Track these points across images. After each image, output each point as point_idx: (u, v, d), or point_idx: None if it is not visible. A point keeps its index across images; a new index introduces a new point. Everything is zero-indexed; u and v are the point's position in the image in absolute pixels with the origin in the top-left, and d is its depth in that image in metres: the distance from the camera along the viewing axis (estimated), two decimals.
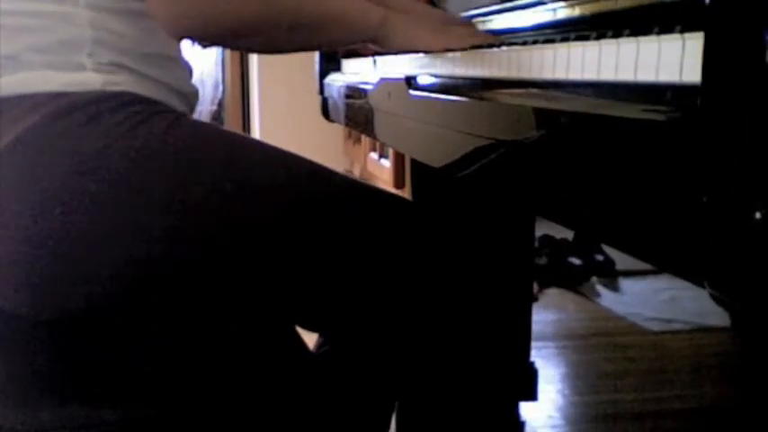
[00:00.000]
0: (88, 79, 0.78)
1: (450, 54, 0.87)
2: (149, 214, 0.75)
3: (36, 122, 0.74)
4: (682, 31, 0.44)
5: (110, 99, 0.77)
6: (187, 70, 0.91)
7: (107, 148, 0.74)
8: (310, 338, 0.93)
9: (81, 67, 0.78)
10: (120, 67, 0.80)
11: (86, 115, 0.75)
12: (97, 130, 0.75)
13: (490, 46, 0.78)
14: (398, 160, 1.75)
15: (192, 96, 0.91)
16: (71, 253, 0.73)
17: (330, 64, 1.40)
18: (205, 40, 0.88)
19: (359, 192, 0.89)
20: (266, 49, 1.01)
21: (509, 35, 0.81)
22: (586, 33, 0.59)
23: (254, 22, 0.82)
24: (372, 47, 0.96)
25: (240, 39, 0.85)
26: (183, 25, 0.80)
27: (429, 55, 0.91)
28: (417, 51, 0.93)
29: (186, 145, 0.78)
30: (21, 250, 0.73)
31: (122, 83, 0.80)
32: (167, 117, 0.80)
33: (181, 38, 0.83)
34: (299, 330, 0.91)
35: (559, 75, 0.59)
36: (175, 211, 0.75)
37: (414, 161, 1.54)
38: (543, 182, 0.59)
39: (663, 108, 0.44)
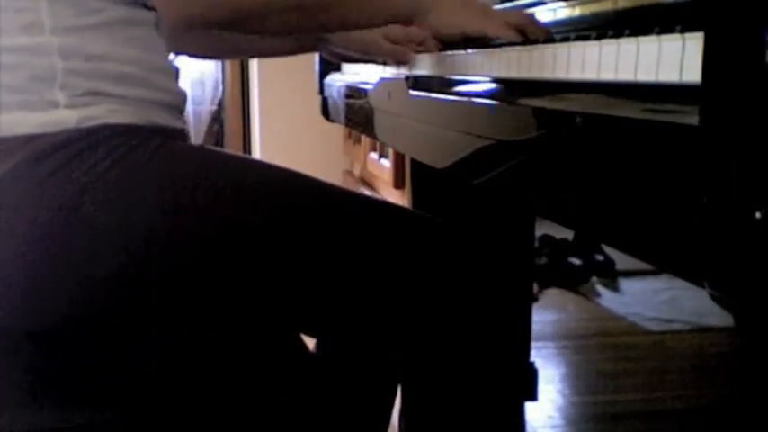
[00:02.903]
0: (62, 118, 0.75)
1: (449, 52, 0.87)
2: (138, 247, 0.75)
3: (12, 168, 0.73)
4: (682, 31, 0.44)
5: (85, 137, 0.75)
6: (172, 74, 0.87)
7: (84, 193, 0.73)
8: (310, 338, 0.93)
9: (54, 105, 0.75)
10: (96, 95, 0.77)
11: (62, 159, 0.73)
12: (74, 175, 0.73)
13: (532, 42, 0.76)
14: (398, 160, 1.75)
15: (179, 103, 0.88)
16: (55, 282, 0.74)
17: (330, 64, 1.40)
18: (208, 26, 0.83)
19: (353, 196, 0.89)
20: (282, 29, 0.93)
21: None
22: (586, 33, 0.59)
23: (257, 6, 0.79)
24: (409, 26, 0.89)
25: (245, 23, 0.81)
26: (184, 11, 0.77)
27: (429, 55, 0.91)
28: (457, 32, 0.87)
29: (170, 176, 0.77)
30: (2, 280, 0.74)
31: (99, 115, 0.76)
32: (147, 149, 0.77)
33: (183, 27, 0.80)
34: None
35: (560, 75, 0.59)
36: (160, 243, 0.75)
37: (414, 161, 1.54)
38: (543, 182, 0.60)
39: (663, 108, 0.44)
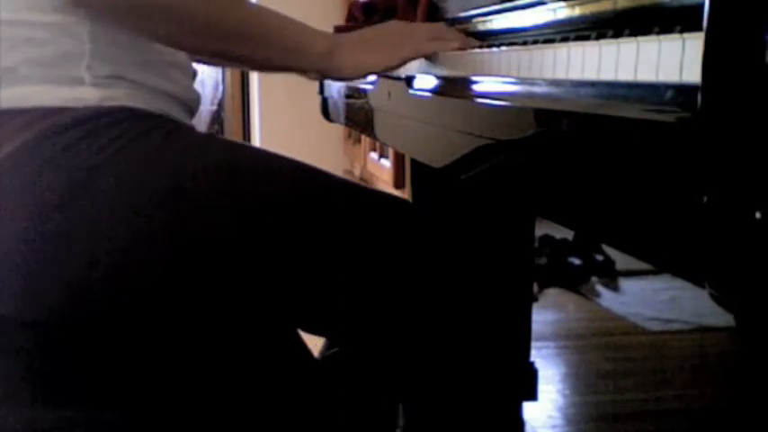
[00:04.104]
0: (85, 94, 0.77)
1: (450, 53, 0.87)
2: (141, 229, 0.75)
3: (30, 139, 0.74)
4: (682, 31, 0.44)
5: (105, 115, 0.77)
6: (190, 74, 0.90)
7: (95, 169, 0.74)
8: (312, 342, 0.93)
9: (79, 82, 0.77)
10: (118, 78, 0.79)
11: (80, 133, 0.75)
12: (88, 151, 0.74)
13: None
14: (398, 160, 1.75)
15: (193, 103, 0.90)
16: (61, 258, 0.74)
17: None
18: (102, 16, 0.78)
19: (358, 193, 0.89)
20: (182, 44, 0.85)
21: (509, 35, 0.81)
22: (586, 33, 0.59)
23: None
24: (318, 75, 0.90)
25: (142, 19, 0.78)
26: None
27: (430, 55, 0.91)
28: (369, 74, 0.90)
29: (178, 161, 0.78)
30: (8, 257, 0.74)
31: (120, 97, 0.78)
32: (160, 132, 0.79)
33: (74, 6, 0.77)
34: (303, 334, 0.91)
35: (559, 75, 0.59)
36: (169, 231, 0.76)
37: (414, 161, 1.54)
38: (543, 182, 0.60)
39: (663, 108, 0.44)
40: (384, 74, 0.95)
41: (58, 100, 0.76)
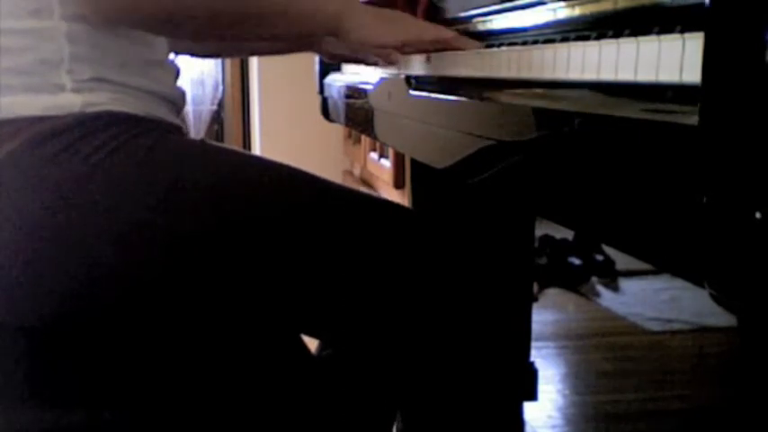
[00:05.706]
0: (68, 101, 0.77)
1: (450, 53, 0.87)
2: (138, 234, 0.75)
3: (15, 149, 0.74)
4: (682, 31, 0.44)
5: (89, 122, 0.76)
6: (173, 72, 0.89)
7: (84, 178, 0.74)
8: (312, 341, 0.93)
9: (60, 88, 0.77)
10: (101, 81, 0.78)
11: (65, 142, 0.74)
12: (75, 159, 0.74)
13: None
14: (398, 160, 1.75)
15: (178, 101, 0.89)
16: (53, 266, 0.74)
17: (330, 64, 1.40)
18: (134, 26, 0.81)
19: (355, 197, 0.89)
20: (203, 36, 0.93)
21: (509, 35, 0.81)
22: (586, 33, 0.59)
23: (177, 8, 0.78)
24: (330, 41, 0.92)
25: (166, 25, 0.80)
26: (104, 8, 0.76)
27: (429, 55, 0.91)
28: (375, 46, 0.91)
29: (166, 169, 0.78)
30: (3, 266, 0.74)
31: (103, 102, 0.78)
32: (147, 139, 0.78)
33: (105, 22, 0.79)
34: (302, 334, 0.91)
35: (559, 75, 0.59)
36: (165, 235, 0.76)
37: (414, 161, 1.54)
38: (543, 182, 0.60)
39: (663, 108, 0.44)
40: (380, 53, 0.94)
41: (40, 108, 0.76)
